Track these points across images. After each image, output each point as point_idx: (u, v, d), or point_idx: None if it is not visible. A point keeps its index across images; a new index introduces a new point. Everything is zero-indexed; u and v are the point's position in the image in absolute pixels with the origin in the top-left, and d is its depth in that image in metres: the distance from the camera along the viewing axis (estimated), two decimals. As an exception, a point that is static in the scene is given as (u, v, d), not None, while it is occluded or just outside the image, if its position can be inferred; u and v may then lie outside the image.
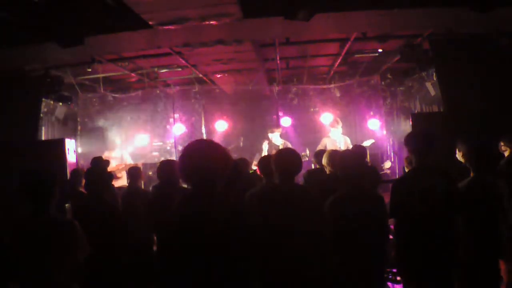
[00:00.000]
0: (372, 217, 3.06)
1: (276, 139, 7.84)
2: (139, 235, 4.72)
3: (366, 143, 8.01)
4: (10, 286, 2.50)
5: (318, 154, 5.09)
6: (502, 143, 4.17)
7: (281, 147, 7.59)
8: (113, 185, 6.37)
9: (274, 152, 6.90)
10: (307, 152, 8.00)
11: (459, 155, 3.99)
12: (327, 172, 4.48)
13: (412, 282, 3.10)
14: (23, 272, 2.46)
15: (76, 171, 5.33)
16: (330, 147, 7.14)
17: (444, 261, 2.96)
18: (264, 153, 7.51)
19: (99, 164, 5.49)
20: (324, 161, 4.52)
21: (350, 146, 7.57)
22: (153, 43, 5.76)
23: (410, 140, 3.20)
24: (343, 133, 7.82)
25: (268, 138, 7.92)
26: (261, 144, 7.92)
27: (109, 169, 7.35)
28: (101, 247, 2.76)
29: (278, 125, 9.07)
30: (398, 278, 4.27)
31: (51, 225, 2.52)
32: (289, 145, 7.75)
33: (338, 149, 7.02)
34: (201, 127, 10.37)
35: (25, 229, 2.52)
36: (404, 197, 3.04)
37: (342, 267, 3.02)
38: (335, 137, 7.62)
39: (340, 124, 7.61)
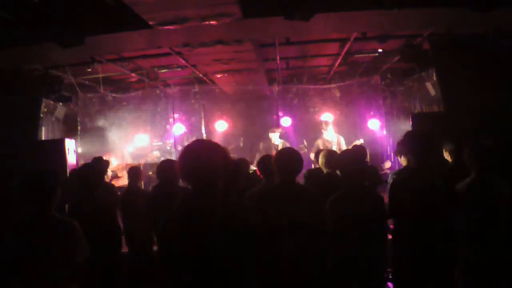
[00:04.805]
0: (372, 217, 3.07)
1: (276, 139, 7.87)
2: (139, 235, 4.72)
3: (357, 143, 8.05)
4: (10, 286, 2.49)
5: (318, 154, 5.09)
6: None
7: (280, 147, 7.62)
8: (110, 182, 6.35)
9: (273, 152, 6.98)
10: (305, 143, 8.06)
11: (446, 154, 4.02)
12: (324, 172, 4.48)
13: (408, 282, 3.09)
14: (23, 272, 2.46)
15: (73, 171, 5.32)
16: (323, 147, 7.19)
17: (443, 261, 2.95)
18: (263, 152, 7.53)
19: (93, 163, 5.46)
20: (320, 161, 4.52)
21: (343, 145, 7.63)
22: (153, 43, 5.76)
23: (408, 141, 3.19)
24: (340, 133, 7.86)
25: (268, 138, 7.95)
26: (263, 144, 7.95)
27: (110, 168, 7.36)
28: (96, 245, 2.76)
29: (278, 125, 9.10)
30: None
31: (52, 225, 2.52)
32: (288, 146, 7.78)
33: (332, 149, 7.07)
34: (201, 127, 10.37)
35: (26, 229, 2.52)
36: (402, 198, 3.04)
37: (342, 267, 3.03)
38: (328, 137, 7.67)
39: (330, 126, 7.69)
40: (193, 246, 1.84)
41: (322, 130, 7.77)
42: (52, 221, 2.55)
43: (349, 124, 9.74)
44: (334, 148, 7.42)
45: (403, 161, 4.31)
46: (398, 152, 4.43)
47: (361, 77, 9.18)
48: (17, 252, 2.46)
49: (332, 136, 7.72)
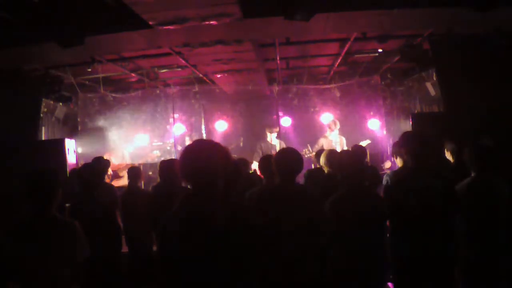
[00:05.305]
0: (372, 217, 3.06)
1: (273, 139, 7.88)
2: (139, 235, 4.73)
3: (362, 144, 8.06)
4: (10, 286, 2.49)
5: (319, 154, 5.10)
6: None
7: (277, 147, 7.63)
8: (109, 183, 6.35)
9: (271, 152, 6.98)
10: (309, 147, 8.07)
11: (447, 155, 4.03)
12: (326, 172, 4.48)
13: (408, 283, 3.09)
14: (23, 272, 2.46)
15: (73, 171, 5.32)
16: (326, 147, 7.19)
17: (443, 261, 2.95)
18: (260, 152, 7.55)
19: (93, 163, 5.47)
20: (322, 161, 4.53)
21: (345, 146, 7.64)
22: (153, 43, 5.76)
23: (406, 141, 3.19)
24: (341, 134, 7.87)
25: (265, 137, 7.95)
26: (260, 144, 7.95)
27: (111, 168, 7.36)
28: (96, 245, 2.76)
29: (276, 125, 9.08)
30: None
31: (52, 225, 2.52)
32: (284, 146, 7.78)
33: (334, 149, 7.07)
34: (201, 127, 10.37)
35: (26, 229, 2.52)
36: (400, 198, 3.03)
37: (342, 267, 3.02)
38: (332, 137, 7.67)
39: (338, 126, 7.68)
40: (193, 246, 1.84)
41: (329, 130, 7.76)
42: (53, 221, 2.55)
43: (349, 124, 9.74)
44: (338, 148, 7.43)
45: (399, 162, 4.32)
46: (394, 153, 4.44)
47: (361, 77, 9.17)
48: (17, 252, 2.46)
49: (336, 137, 7.73)
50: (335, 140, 7.70)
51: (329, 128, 7.76)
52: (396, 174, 4.18)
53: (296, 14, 4.40)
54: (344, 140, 7.82)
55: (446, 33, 5.74)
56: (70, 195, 4.87)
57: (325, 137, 7.80)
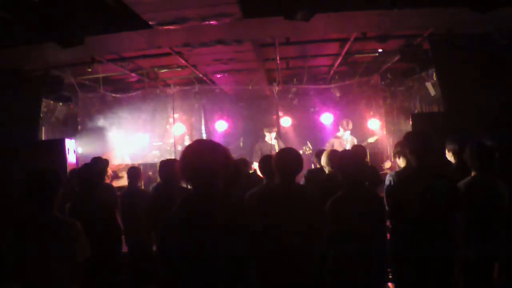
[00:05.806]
0: (372, 217, 3.07)
1: (272, 139, 7.90)
2: (139, 235, 4.73)
3: (371, 140, 8.11)
4: (10, 286, 2.50)
5: (319, 154, 5.10)
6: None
7: (276, 146, 7.64)
8: (109, 183, 6.35)
9: (270, 152, 6.98)
10: (309, 144, 8.06)
11: (448, 155, 4.03)
12: (327, 172, 4.49)
13: (408, 283, 3.09)
14: (24, 271, 2.46)
15: (73, 171, 5.32)
16: (338, 147, 7.20)
17: (443, 261, 2.95)
18: (258, 153, 7.56)
19: (92, 163, 5.46)
20: (323, 161, 4.53)
21: None
22: (153, 43, 5.76)
23: (409, 141, 3.19)
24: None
25: (264, 137, 7.96)
26: (259, 144, 7.96)
27: (111, 168, 7.35)
28: (97, 246, 2.76)
29: (274, 125, 9.09)
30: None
31: (52, 225, 2.53)
32: (283, 146, 7.80)
33: (335, 149, 7.08)
34: (201, 127, 10.37)
35: (27, 229, 2.52)
36: (402, 198, 3.03)
37: (342, 267, 3.03)
38: (345, 137, 7.69)
39: (351, 126, 7.71)
40: (193, 246, 1.84)
41: (342, 130, 7.77)
42: (54, 221, 2.55)
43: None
44: (348, 148, 7.45)
45: (401, 162, 4.32)
46: (396, 154, 4.44)
47: (361, 77, 9.16)
48: (18, 252, 2.46)
49: (348, 136, 7.76)
50: (347, 139, 7.72)
51: (342, 127, 7.78)
52: (399, 174, 4.18)
53: (296, 14, 4.40)
54: (355, 140, 7.85)
55: (446, 33, 5.74)
56: (70, 195, 4.87)
57: (337, 137, 7.81)
